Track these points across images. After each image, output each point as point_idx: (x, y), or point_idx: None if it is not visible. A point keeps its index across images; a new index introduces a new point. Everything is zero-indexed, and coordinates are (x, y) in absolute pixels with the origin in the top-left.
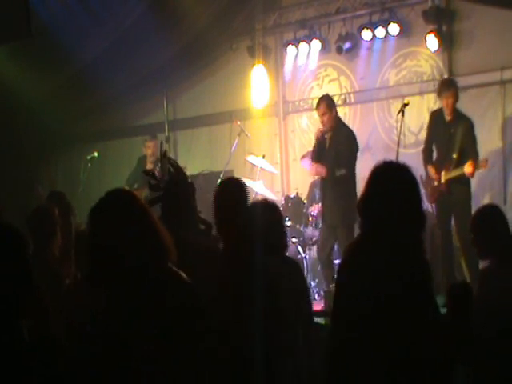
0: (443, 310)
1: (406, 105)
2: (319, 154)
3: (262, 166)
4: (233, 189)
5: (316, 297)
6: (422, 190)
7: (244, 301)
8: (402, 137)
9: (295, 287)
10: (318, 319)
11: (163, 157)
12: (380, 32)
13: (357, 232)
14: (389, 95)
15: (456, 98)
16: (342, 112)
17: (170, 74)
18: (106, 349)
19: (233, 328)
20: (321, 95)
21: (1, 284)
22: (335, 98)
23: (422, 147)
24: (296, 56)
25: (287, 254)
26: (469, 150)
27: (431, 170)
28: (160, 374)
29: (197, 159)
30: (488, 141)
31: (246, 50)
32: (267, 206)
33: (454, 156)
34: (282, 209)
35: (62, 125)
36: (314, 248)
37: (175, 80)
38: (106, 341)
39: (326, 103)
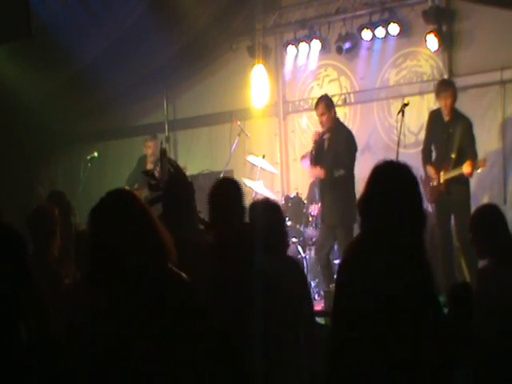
0: (444, 310)
1: (406, 105)
2: (318, 157)
3: (262, 166)
4: (227, 189)
5: (316, 297)
6: (422, 190)
7: (243, 301)
8: (401, 137)
9: (296, 287)
10: (318, 319)
11: (163, 156)
12: (380, 32)
13: (356, 232)
14: (389, 95)
15: (454, 99)
16: (342, 112)
17: (170, 74)
18: (106, 349)
19: (233, 328)
20: (320, 95)
21: (1, 284)
22: (335, 98)
23: (421, 147)
24: (296, 56)
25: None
26: (467, 150)
27: (430, 170)
28: (160, 373)
29: (197, 159)
30: (488, 141)
31: (245, 49)
32: (268, 205)
33: (453, 156)
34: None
35: (62, 125)
36: (314, 248)
37: (175, 80)
38: (106, 341)
39: (325, 103)
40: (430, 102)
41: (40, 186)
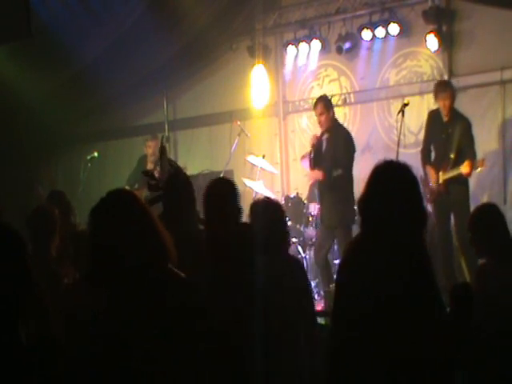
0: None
1: (406, 105)
2: (316, 159)
3: (262, 166)
4: (222, 189)
5: (316, 297)
6: (422, 190)
7: (242, 300)
8: (401, 137)
9: (297, 286)
10: (318, 319)
11: (162, 153)
12: (380, 32)
13: (355, 233)
14: (389, 95)
15: (453, 100)
16: (342, 112)
17: (170, 74)
18: (106, 349)
19: (232, 328)
20: (319, 95)
21: (1, 284)
22: (335, 98)
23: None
24: (296, 56)
25: None
26: (466, 150)
27: (429, 170)
28: (160, 373)
29: (197, 159)
30: (488, 141)
31: (246, 49)
32: (269, 204)
33: (452, 156)
34: None
35: (62, 125)
36: (313, 248)
37: (175, 80)
38: (106, 341)
39: (324, 103)
40: (429, 102)
41: (40, 186)
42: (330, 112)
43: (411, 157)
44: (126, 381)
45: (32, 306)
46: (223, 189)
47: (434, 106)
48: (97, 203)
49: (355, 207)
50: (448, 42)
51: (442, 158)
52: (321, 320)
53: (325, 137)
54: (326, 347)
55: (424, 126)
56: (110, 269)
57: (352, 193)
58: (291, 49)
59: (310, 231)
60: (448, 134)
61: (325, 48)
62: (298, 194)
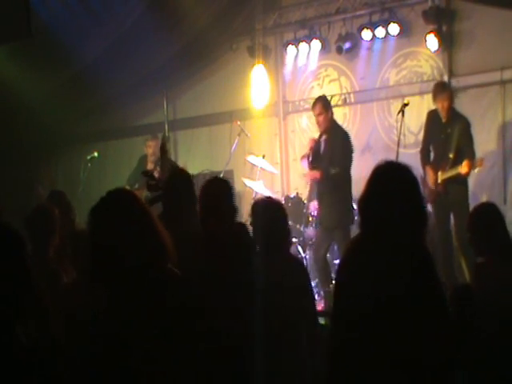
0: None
1: (406, 105)
2: (315, 160)
3: (262, 166)
4: (218, 188)
5: (316, 297)
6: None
7: (241, 300)
8: (401, 137)
9: (298, 285)
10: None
11: (163, 152)
12: (380, 32)
13: (354, 233)
14: (389, 95)
15: (451, 101)
16: (342, 112)
17: (170, 74)
18: (106, 349)
19: (232, 328)
20: (318, 96)
21: (0, 284)
22: (335, 98)
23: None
24: (296, 56)
25: None
26: (465, 150)
27: (428, 171)
28: (160, 373)
29: (197, 159)
30: (488, 141)
31: (246, 50)
32: (270, 203)
33: (451, 156)
34: None
35: (62, 125)
36: (311, 249)
37: (175, 80)
38: (106, 341)
39: (322, 104)
40: (429, 102)
41: (40, 186)
42: (328, 112)
43: (411, 157)
44: (126, 381)
45: (32, 305)
46: (219, 188)
47: (433, 106)
48: (97, 202)
49: (354, 208)
50: (448, 42)
51: (441, 158)
52: (321, 320)
53: (323, 138)
54: (326, 347)
55: (423, 126)
56: (109, 268)
57: (350, 194)
58: (291, 49)
59: (310, 231)
60: (447, 134)
61: (325, 48)
62: (297, 193)
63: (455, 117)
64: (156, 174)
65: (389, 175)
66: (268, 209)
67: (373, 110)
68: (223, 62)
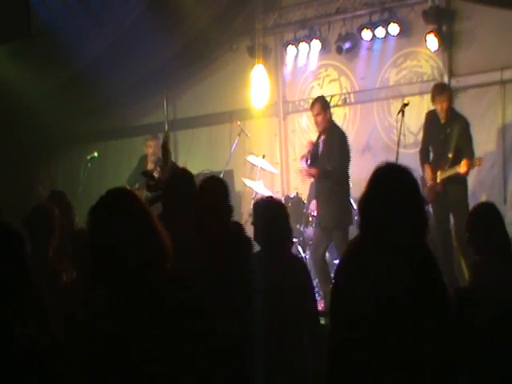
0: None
1: (406, 105)
2: (313, 163)
3: (262, 166)
4: (214, 186)
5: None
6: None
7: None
8: (401, 137)
9: (299, 285)
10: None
11: (165, 150)
12: (380, 32)
13: (352, 234)
14: (389, 95)
15: (450, 102)
16: (342, 112)
17: (170, 74)
18: (106, 349)
19: (230, 327)
20: (316, 96)
21: (0, 284)
22: (336, 98)
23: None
24: (296, 56)
25: None
26: (464, 149)
27: (427, 170)
28: (160, 373)
29: (197, 159)
30: (488, 141)
31: (246, 50)
32: (271, 202)
33: (450, 156)
34: None
35: (62, 125)
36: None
37: (175, 80)
38: (106, 341)
39: (321, 104)
40: (429, 102)
41: (40, 186)
42: (326, 112)
43: (411, 157)
44: (126, 381)
45: (31, 305)
46: (215, 186)
47: (433, 107)
48: (96, 202)
49: (354, 208)
50: (448, 42)
51: (440, 158)
52: (321, 320)
53: (321, 139)
54: (326, 347)
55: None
56: (109, 268)
57: (349, 194)
58: (291, 49)
59: (310, 231)
60: (446, 135)
61: (325, 48)
62: (297, 193)
63: (454, 117)
64: (156, 174)
65: (389, 177)
66: (268, 208)
67: (373, 109)
68: (223, 62)
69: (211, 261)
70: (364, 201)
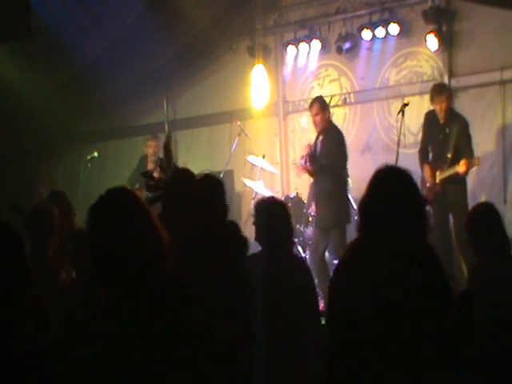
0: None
1: (406, 105)
2: (312, 162)
3: (262, 166)
4: (210, 183)
5: None
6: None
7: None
8: (401, 137)
9: (301, 285)
10: None
11: (167, 150)
12: (380, 32)
13: (350, 233)
14: (389, 95)
15: (449, 102)
16: (342, 112)
17: (170, 74)
18: (105, 348)
19: (229, 327)
20: (315, 96)
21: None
22: (336, 98)
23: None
24: (296, 56)
25: None
26: (463, 149)
27: (426, 170)
28: (160, 373)
29: (197, 159)
30: (488, 141)
31: (246, 50)
32: (272, 202)
33: (449, 156)
34: None
35: (62, 125)
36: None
37: (175, 80)
38: (105, 340)
39: (319, 104)
40: (429, 103)
41: (41, 186)
42: (325, 113)
43: (411, 157)
44: (125, 380)
45: (31, 305)
46: (211, 183)
47: (432, 107)
48: (96, 201)
49: (350, 208)
50: (448, 42)
51: (439, 158)
52: (322, 320)
53: (320, 139)
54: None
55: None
56: (109, 268)
57: (347, 195)
58: (291, 49)
59: (310, 231)
60: (445, 135)
61: (325, 48)
62: (297, 193)
63: (453, 117)
64: (156, 175)
65: (389, 180)
66: (268, 208)
67: (373, 110)
68: (223, 62)
69: (208, 261)
70: (364, 203)
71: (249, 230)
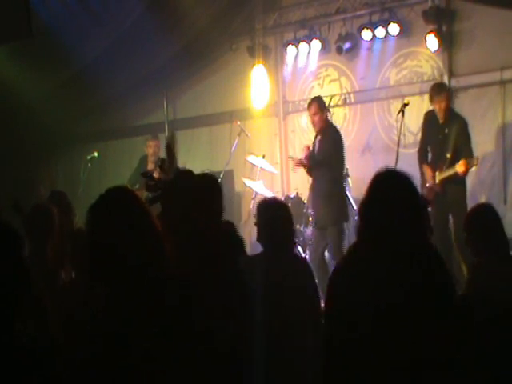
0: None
1: (406, 105)
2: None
3: (262, 165)
4: (208, 183)
5: None
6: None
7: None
8: (401, 137)
9: (302, 285)
10: None
11: (169, 151)
12: (380, 32)
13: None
14: (389, 95)
15: (448, 102)
16: (342, 112)
17: (170, 74)
18: (105, 348)
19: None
20: (314, 96)
21: None
22: (336, 98)
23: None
24: (296, 56)
25: None
26: (463, 149)
27: (426, 170)
28: (160, 373)
29: (197, 159)
30: (488, 141)
31: (246, 50)
32: (273, 202)
33: (448, 156)
34: None
35: (62, 125)
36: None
37: (175, 80)
38: (105, 340)
39: (318, 104)
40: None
41: (42, 186)
42: (323, 113)
43: (411, 157)
44: (125, 380)
45: (30, 305)
46: (209, 183)
47: (431, 107)
48: (96, 200)
49: (348, 206)
50: (448, 42)
51: (438, 158)
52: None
53: (318, 139)
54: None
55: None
56: (108, 267)
57: (344, 194)
58: (291, 49)
59: (310, 231)
60: (444, 135)
61: (325, 48)
62: (297, 193)
63: (453, 117)
64: (156, 175)
65: (388, 183)
66: (270, 208)
67: (373, 110)
68: (223, 62)
69: (208, 261)
70: (364, 206)
71: (249, 230)
